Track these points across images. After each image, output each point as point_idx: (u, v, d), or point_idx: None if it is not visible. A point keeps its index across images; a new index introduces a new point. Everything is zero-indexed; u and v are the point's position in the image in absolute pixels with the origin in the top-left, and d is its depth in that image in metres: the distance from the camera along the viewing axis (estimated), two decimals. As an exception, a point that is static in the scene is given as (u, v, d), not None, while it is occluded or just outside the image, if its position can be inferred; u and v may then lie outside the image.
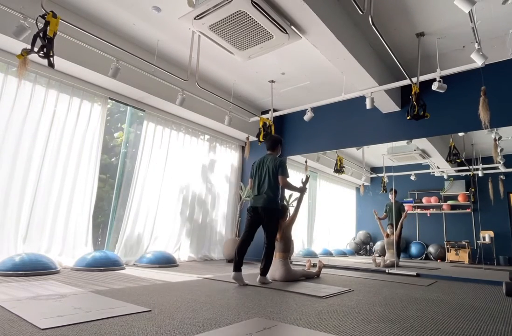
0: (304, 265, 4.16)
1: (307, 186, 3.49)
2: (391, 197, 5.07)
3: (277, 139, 3.44)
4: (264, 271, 3.11)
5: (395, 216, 5.02)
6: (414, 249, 5.09)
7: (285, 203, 5.91)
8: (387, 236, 5.02)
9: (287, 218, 3.54)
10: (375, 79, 3.97)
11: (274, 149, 3.42)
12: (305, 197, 3.54)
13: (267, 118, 4.79)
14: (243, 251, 3.10)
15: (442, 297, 2.71)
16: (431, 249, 4.94)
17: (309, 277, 3.53)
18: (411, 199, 5.19)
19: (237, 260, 3.04)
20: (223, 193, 5.91)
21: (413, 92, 3.56)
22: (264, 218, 3.15)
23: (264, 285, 2.96)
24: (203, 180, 5.56)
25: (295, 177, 6.26)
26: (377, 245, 5.49)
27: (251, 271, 4.05)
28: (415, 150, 4.96)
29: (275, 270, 3.28)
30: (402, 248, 5.08)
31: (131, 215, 4.40)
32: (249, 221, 3.21)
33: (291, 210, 5.59)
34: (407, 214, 5.04)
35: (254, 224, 3.19)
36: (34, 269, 3.10)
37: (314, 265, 4.51)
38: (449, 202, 4.88)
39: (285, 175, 3.20)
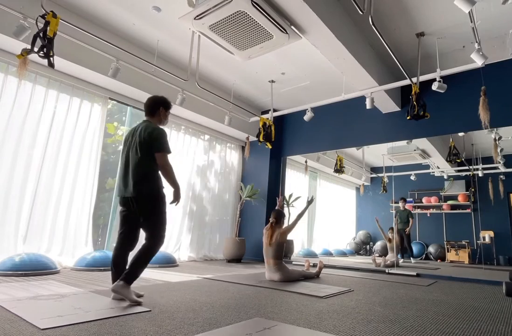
0: (304, 265, 4.16)
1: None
2: (401, 204, 5.12)
3: (158, 99, 2.48)
4: (127, 278, 2.07)
5: (403, 223, 5.09)
6: (414, 249, 5.09)
7: (284, 203, 5.92)
8: (389, 240, 5.02)
9: (284, 225, 3.48)
10: (375, 79, 3.97)
11: (153, 113, 2.45)
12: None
13: (267, 118, 4.79)
14: (119, 261, 2.22)
15: (442, 297, 2.71)
16: (431, 249, 4.95)
17: (308, 277, 3.52)
18: (411, 199, 5.19)
19: (114, 272, 2.20)
20: (223, 193, 5.91)
21: (413, 92, 3.56)
22: (139, 211, 2.22)
23: (261, 285, 2.95)
24: (203, 180, 5.55)
25: (295, 176, 6.27)
26: (377, 245, 5.49)
27: (250, 271, 4.05)
28: (415, 150, 4.96)
29: (273, 274, 3.26)
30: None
31: (131, 215, 4.39)
32: (122, 218, 2.29)
33: (290, 210, 5.58)
34: (412, 222, 5.11)
35: (130, 221, 2.27)
36: (34, 269, 3.10)
37: (314, 265, 4.51)
38: (449, 202, 4.88)
39: (165, 149, 2.25)
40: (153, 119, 2.45)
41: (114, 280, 2.18)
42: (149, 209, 2.23)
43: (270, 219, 3.44)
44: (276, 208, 3.72)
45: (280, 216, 3.45)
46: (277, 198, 3.98)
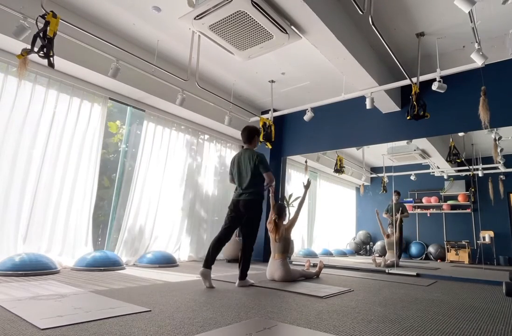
0: (304, 265, 4.16)
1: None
2: (394, 198, 5.08)
3: (252, 130, 3.18)
4: (242, 275, 2.94)
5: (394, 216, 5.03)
6: (414, 249, 5.09)
7: (284, 202, 5.91)
8: (388, 236, 5.02)
9: (287, 219, 3.52)
10: (375, 79, 3.97)
11: (250, 142, 3.18)
12: (305, 198, 3.54)
13: (267, 118, 4.79)
14: (217, 247, 2.95)
15: (442, 297, 2.71)
16: (431, 249, 4.95)
17: (308, 277, 3.52)
18: (411, 199, 5.19)
19: (209, 256, 2.89)
20: (223, 193, 5.91)
21: (413, 92, 3.56)
22: (245, 212, 2.99)
23: (261, 285, 2.96)
24: (203, 180, 5.55)
25: (295, 176, 6.26)
26: (377, 245, 5.49)
27: (250, 271, 4.05)
28: (415, 150, 4.96)
29: (274, 270, 3.27)
30: (402, 248, 5.09)
31: (131, 215, 4.40)
32: (229, 217, 3.05)
33: (290, 210, 5.57)
34: (407, 214, 5.06)
35: (234, 220, 3.03)
36: (34, 269, 3.10)
37: (315, 265, 4.51)
38: (449, 202, 4.88)
39: (269, 170, 3.05)
40: (251, 145, 3.19)
41: (206, 262, 2.84)
42: (251, 209, 3.04)
43: (272, 215, 3.44)
44: (270, 194, 3.68)
45: (281, 211, 3.46)
46: (269, 188, 3.81)
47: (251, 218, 3.01)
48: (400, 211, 5.02)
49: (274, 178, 3.11)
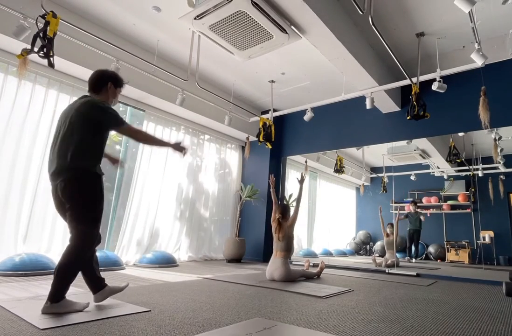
0: (304, 265, 4.16)
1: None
2: (412, 208, 5.15)
3: (105, 74, 2.10)
4: (53, 295, 1.77)
5: (414, 225, 5.12)
6: (414, 249, 5.10)
7: (284, 202, 5.91)
8: (387, 235, 5.02)
9: (289, 218, 3.51)
10: (375, 79, 3.97)
11: (99, 90, 2.07)
12: (305, 197, 3.54)
13: (267, 118, 4.79)
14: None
15: (442, 297, 2.71)
16: (431, 249, 4.95)
17: (309, 277, 3.52)
18: (411, 199, 5.19)
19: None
20: (223, 193, 5.91)
21: (413, 92, 3.56)
22: (63, 196, 1.87)
23: (261, 285, 2.95)
24: (203, 180, 5.55)
25: (295, 176, 6.26)
26: (377, 245, 5.49)
27: (250, 271, 4.05)
28: (415, 150, 4.96)
29: (275, 269, 3.27)
30: (402, 247, 5.11)
31: (131, 215, 4.40)
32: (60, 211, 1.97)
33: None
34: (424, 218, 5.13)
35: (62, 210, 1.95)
36: (34, 269, 3.10)
37: (315, 265, 4.51)
38: (449, 202, 4.88)
39: (122, 122, 1.97)
40: (98, 95, 2.06)
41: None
42: (73, 189, 1.92)
43: (276, 215, 3.45)
44: (270, 189, 3.70)
45: (285, 211, 3.48)
46: (269, 180, 3.84)
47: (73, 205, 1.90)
48: (418, 219, 5.12)
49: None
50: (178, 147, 2.13)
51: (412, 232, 5.13)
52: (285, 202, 5.90)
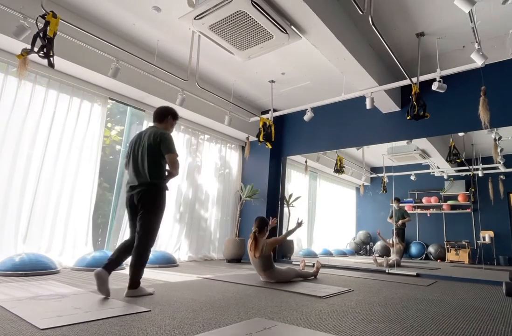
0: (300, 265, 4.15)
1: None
2: (395, 205, 5.16)
3: (166, 110, 2.70)
4: (132, 283, 2.30)
5: (399, 220, 5.15)
6: (414, 249, 5.10)
7: (284, 202, 5.92)
8: (392, 245, 5.03)
9: (266, 233, 3.34)
10: (375, 79, 3.97)
11: (161, 120, 2.66)
12: (305, 197, 3.53)
13: (267, 118, 4.79)
14: (123, 250, 2.39)
15: (442, 297, 2.71)
16: (431, 249, 4.95)
17: (305, 277, 3.50)
18: (411, 199, 5.20)
19: (113, 258, 2.34)
20: (223, 193, 5.91)
21: (413, 92, 3.56)
22: (139, 204, 2.38)
23: (261, 285, 2.95)
24: (203, 180, 5.55)
25: (295, 176, 6.26)
26: (377, 245, 5.50)
27: (250, 271, 4.05)
28: (415, 150, 4.96)
29: (267, 279, 3.22)
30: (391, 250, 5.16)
31: (131, 215, 4.39)
32: (129, 216, 2.50)
33: (290, 211, 5.56)
34: (409, 219, 5.13)
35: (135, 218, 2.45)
36: (34, 269, 3.10)
37: (313, 265, 4.50)
38: (449, 202, 4.88)
39: (172, 151, 2.46)
40: (161, 125, 2.67)
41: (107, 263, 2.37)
42: (147, 199, 2.45)
43: (252, 228, 3.30)
44: (269, 226, 3.45)
45: (263, 224, 3.29)
46: (270, 218, 3.61)
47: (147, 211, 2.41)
48: (402, 215, 5.11)
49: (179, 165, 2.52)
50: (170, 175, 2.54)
51: (396, 231, 5.13)
52: (285, 202, 5.91)
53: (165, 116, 2.68)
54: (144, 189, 2.39)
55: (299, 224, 3.53)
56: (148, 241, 2.37)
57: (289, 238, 5.54)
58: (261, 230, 3.28)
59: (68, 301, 2.04)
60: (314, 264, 3.95)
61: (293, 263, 5.14)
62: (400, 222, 5.09)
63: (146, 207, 2.38)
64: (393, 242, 5.00)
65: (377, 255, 5.39)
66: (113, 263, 2.30)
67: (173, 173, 2.48)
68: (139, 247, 2.33)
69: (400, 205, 5.20)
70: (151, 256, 4.23)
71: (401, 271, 4.30)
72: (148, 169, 2.41)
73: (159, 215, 2.43)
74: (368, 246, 5.64)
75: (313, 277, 3.60)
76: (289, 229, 3.54)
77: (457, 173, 4.83)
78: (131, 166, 2.49)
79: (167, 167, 2.51)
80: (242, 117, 5.35)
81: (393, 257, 4.79)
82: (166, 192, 2.49)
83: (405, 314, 2.05)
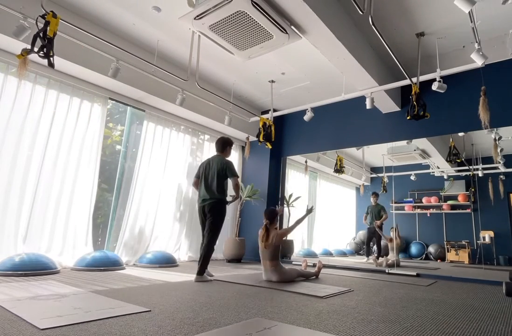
0: (302, 265, 4.15)
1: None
2: (372, 199, 5.18)
3: (226, 141, 3.54)
4: (200, 271, 3.15)
5: (375, 217, 5.16)
6: (414, 249, 5.09)
7: (284, 202, 5.91)
8: (390, 240, 5.03)
9: (280, 226, 3.45)
10: (375, 79, 3.97)
11: (223, 151, 3.53)
12: (305, 197, 3.53)
13: (267, 118, 4.79)
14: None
15: (442, 297, 2.71)
16: (431, 249, 4.94)
17: (307, 277, 3.51)
18: (411, 199, 5.19)
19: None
20: (223, 193, 5.91)
21: (413, 92, 3.56)
22: (208, 213, 3.29)
23: (261, 285, 2.96)
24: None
25: (295, 176, 6.26)
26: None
27: (250, 271, 4.05)
28: (415, 150, 4.96)
29: (270, 275, 3.24)
30: (402, 248, 5.12)
31: (131, 215, 4.40)
32: (201, 221, 3.41)
33: (290, 211, 5.57)
34: (386, 216, 5.12)
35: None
36: (34, 269, 3.10)
37: (314, 265, 4.51)
38: (449, 202, 4.88)
39: (236, 174, 3.37)
40: (223, 154, 3.52)
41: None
42: (213, 210, 3.34)
43: (263, 220, 3.39)
44: (278, 215, 3.55)
45: (273, 216, 3.38)
46: (277, 206, 3.83)
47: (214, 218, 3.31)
48: (379, 213, 5.11)
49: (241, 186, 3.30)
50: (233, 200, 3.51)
51: (373, 230, 5.14)
52: (285, 202, 5.91)
53: (225, 148, 3.53)
54: (213, 202, 3.28)
55: (309, 211, 3.55)
56: (214, 239, 3.24)
57: (289, 237, 5.55)
58: (272, 221, 3.38)
59: (68, 301, 2.04)
60: (314, 264, 3.95)
61: (293, 263, 5.14)
62: (378, 222, 5.09)
63: (213, 214, 3.26)
64: (392, 237, 5.01)
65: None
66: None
67: (236, 196, 3.40)
68: (208, 243, 3.21)
69: (400, 205, 5.19)
70: (151, 256, 4.26)
71: (401, 271, 4.30)
72: (217, 187, 3.30)
73: (222, 220, 3.30)
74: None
75: (314, 277, 3.61)
76: (299, 218, 3.53)
77: (457, 173, 4.83)
78: (203, 184, 3.37)
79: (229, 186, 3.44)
80: (242, 117, 5.35)
81: (392, 257, 4.79)
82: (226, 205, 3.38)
83: (405, 314, 2.05)
